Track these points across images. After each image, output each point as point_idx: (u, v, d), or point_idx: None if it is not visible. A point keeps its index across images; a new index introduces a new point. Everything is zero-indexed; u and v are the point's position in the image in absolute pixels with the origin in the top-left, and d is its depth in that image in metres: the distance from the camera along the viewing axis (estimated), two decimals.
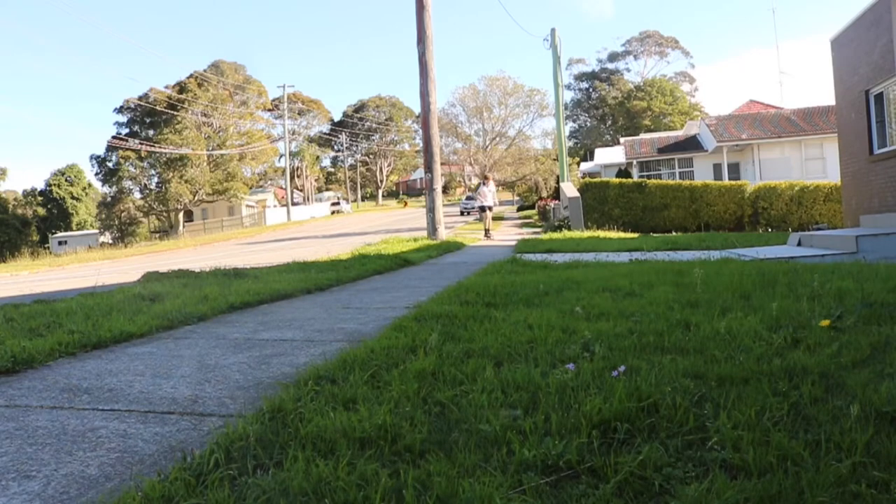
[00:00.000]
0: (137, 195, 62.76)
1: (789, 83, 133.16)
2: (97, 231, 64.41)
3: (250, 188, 68.72)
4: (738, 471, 1.71)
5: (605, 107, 76.56)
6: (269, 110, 73.50)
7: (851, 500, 1.53)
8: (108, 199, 64.68)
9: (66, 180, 69.06)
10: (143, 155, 58.01)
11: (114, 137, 59.41)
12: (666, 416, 2.06)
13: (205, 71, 63.41)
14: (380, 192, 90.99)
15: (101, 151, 61.89)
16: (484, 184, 22.93)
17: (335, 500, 1.61)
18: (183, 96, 58.33)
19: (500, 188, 63.18)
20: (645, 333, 3.28)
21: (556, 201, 32.25)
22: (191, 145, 57.52)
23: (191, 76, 60.95)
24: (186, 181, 57.40)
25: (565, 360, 2.81)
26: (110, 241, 60.20)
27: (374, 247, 14.54)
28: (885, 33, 11.78)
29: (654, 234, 19.97)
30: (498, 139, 46.75)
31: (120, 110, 62.34)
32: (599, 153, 45.74)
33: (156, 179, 60.31)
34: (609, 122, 76.43)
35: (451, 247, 15.33)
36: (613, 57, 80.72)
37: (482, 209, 22.69)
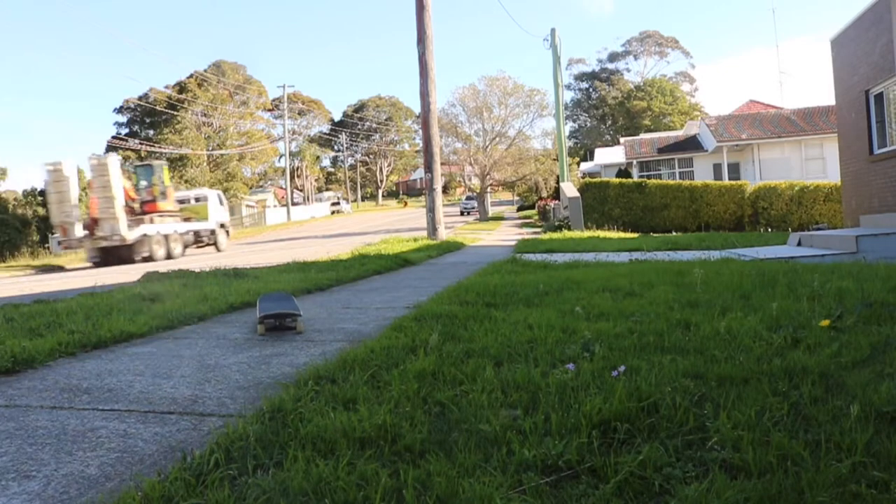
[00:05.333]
0: None
1: (789, 83, 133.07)
2: None
3: (250, 188, 68.72)
4: (738, 471, 1.71)
5: (605, 107, 76.57)
6: (269, 110, 73.48)
7: (851, 500, 1.53)
8: None
9: None
10: (142, 155, 58.01)
11: (114, 137, 59.41)
12: (666, 416, 2.06)
13: (205, 71, 63.41)
14: (380, 192, 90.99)
15: (101, 151, 61.94)
16: None
17: (335, 500, 1.61)
18: (183, 96, 58.33)
19: (499, 188, 63.16)
20: (645, 333, 3.28)
21: (556, 201, 32.25)
22: (191, 145, 57.53)
23: (191, 76, 60.95)
24: (186, 181, 57.41)
25: (565, 360, 2.80)
26: None
27: (374, 247, 14.54)
28: (885, 33, 11.78)
29: (654, 234, 19.98)
30: (498, 139, 46.64)
31: (120, 110, 62.37)
32: (599, 153, 45.74)
33: None
34: (609, 122, 76.45)
35: (451, 247, 15.33)
36: (613, 57, 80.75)
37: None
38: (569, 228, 22.08)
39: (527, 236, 21.64)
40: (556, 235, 19.40)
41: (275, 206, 68.54)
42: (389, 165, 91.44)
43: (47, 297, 6.17)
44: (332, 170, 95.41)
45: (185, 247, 22.17)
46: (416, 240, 16.46)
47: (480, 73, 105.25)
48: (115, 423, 2.39)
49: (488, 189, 50.44)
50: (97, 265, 18.67)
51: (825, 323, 3.20)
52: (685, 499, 1.55)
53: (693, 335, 3.20)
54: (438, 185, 18.39)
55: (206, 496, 1.66)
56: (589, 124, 79.30)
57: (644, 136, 42.72)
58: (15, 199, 59.80)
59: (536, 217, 42.54)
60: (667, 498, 1.60)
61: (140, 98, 60.76)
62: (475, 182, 49.38)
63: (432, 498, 1.59)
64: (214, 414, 2.49)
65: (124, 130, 61.37)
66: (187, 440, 2.19)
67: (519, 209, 63.63)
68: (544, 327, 3.54)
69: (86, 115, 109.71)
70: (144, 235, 19.39)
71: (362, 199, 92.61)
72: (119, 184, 19.26)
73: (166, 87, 60.93)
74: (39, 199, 68.51)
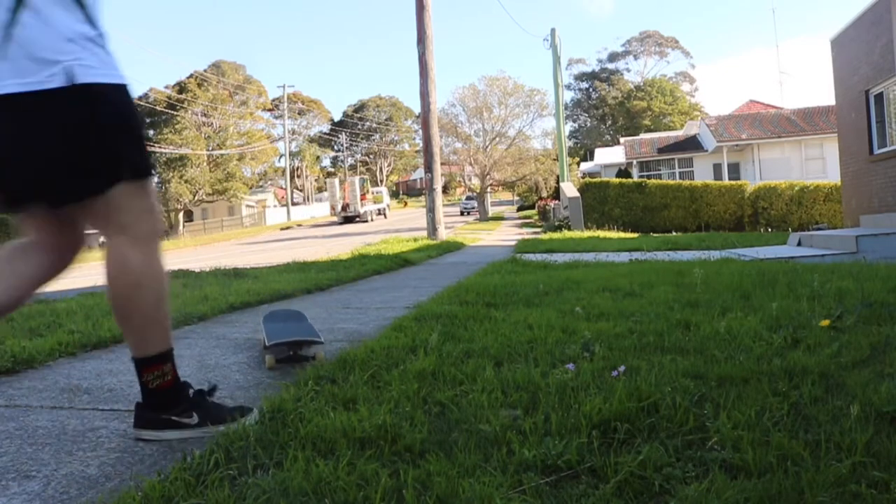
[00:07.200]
0: None
1: (789, 83, 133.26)
2: (97, 231, 64.19)
3: (250, 188, 68.65)
4: (738, 471, 1.71)
5: (605, 107, 76.57)
6: (269, 110, 73.41)
7: (851, 500, 1.53)
8: None
9: None
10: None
11: None
12: (666, 416, 2.06)
13: (205, 71, 63.35)
14: None
15: None
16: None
17: (335, 500, 1.61)
18: (183, 96, 58.30)
19: (499, 188, 63.14)
20: (645, 333, 3.28)
21: (556, 201, 32.24)
22: (191, 145, 57.46)
23: (191, 76, 60.88)
24: (186, 181, 57.36)
25: (565, 360, 2.80)
26: None
27: (374, 247, 14.54)
28: (885, 33, 11.78)
29: (654, 234, 19.98)
30: (498, 139, 46.68)
31: None
32: (599, 153, 45.76)
33: (155, 179, 60.26)
34: (609, 122, 76.44)
35: (451, 247, 15.34)
36: (613, 57, 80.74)
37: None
38: (569, 228, 22.09)
39: (527, 236, 21.63)
40: (556, 235, 19.41)
41: (275, 206, 68.51)
42: (389, 165, 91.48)
43: (47, 297, 6.16)
44: (333, 170, 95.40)
45: (376, 216, 44.39)
46: (416, 240, 16.46)
47: (480, 73, 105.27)
48: (116, 423, 2.39)
49: (488, 189, 50.44)
50: (342, 224, 39.86)
51: (825, 323, 3.20)
52: (685, 499, 1.55)
53: (693, 335, 3.20)
54: (438, 185, 18.40)
55: (206, 496, 1.66)
56: (589, 124, 79.31)
57: (644, 136, 42.74)
58: None
59: (536, 217, 42.55)
60: (667, 498, 1.60)
61: (140, 98, 60.68)
62: (475, 182, 49.40)
63: (432, 498, 1.59)
64: None
65: None
66: (187, 440, 2.19)
67: (519, 209, 63.62)
68: (544, 327, 3.54)
69: None
70: (365, 210, 41.82)
71: None
72: (358, 187, 41.71)
73: (166, 87, 60.91)
74: None
